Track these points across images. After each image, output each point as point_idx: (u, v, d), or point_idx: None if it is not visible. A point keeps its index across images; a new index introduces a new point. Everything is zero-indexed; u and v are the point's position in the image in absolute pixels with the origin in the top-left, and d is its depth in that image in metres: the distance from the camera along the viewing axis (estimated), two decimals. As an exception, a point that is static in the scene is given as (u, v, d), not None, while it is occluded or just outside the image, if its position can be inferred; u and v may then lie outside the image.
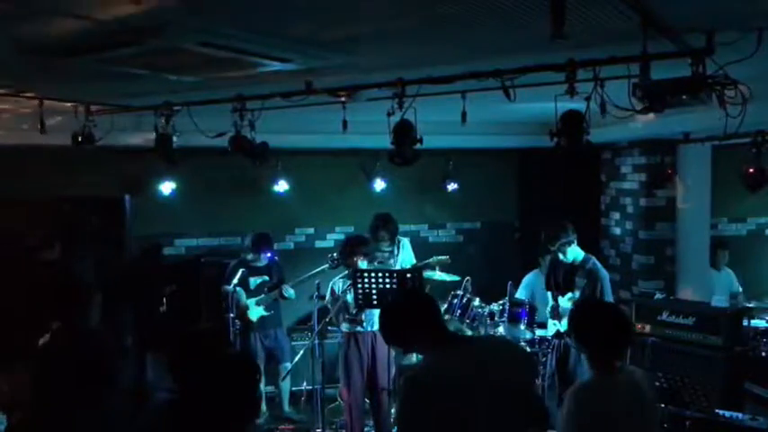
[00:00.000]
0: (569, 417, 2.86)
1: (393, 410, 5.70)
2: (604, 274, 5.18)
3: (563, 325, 5.33)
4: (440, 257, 6.34)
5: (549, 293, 5.57)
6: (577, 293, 5.19)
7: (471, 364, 2.58)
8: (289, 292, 6.20)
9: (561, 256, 5.23)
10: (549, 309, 5.52)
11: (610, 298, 5.23)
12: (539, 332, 6.03)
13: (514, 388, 2.65)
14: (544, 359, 5.88)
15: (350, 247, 5.53)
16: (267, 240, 6.32)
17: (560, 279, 5.40)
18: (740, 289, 7.14)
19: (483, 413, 2.53)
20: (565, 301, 5.33)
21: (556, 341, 5.44)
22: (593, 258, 5.27)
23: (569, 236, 5.16)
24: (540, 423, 2.87)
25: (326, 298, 5.59)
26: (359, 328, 5.44)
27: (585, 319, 3.02)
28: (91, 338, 3.45)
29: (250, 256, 6.29)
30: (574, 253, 5.22)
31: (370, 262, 5.54)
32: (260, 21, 2.91)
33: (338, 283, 5.55)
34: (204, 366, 2.59)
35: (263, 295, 6.23)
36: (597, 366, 2.91)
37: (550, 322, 5.56)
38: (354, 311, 5.38)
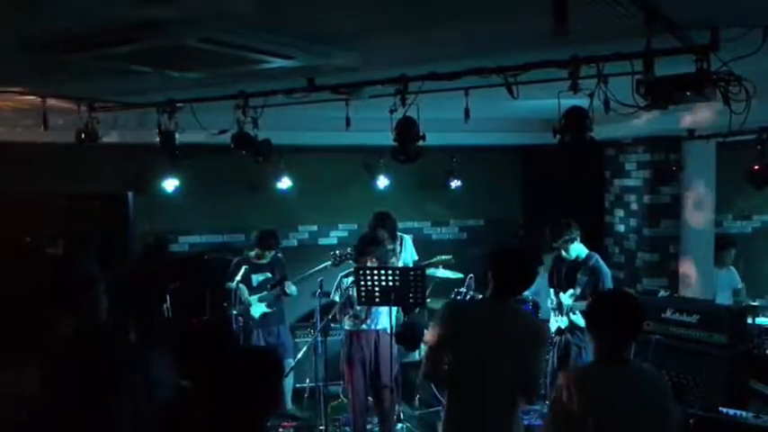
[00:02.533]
0: (557, 398, 2.90)
1: (396, 408, 5.70)
2: (606, 271, 5.19)
3: (563, 321, 5.34)
4: (443, 257, 6.33)
5: (552, 290, 5.57)
6: (578, 290, 5.19)
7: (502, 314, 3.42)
8: (291, 288, 6.21)
9: (564, 253, 5.25)
10: (550, 304, 5.52)
11: None
12: (542, 329, 6.04)
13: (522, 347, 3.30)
14: (547, 356, 5.88)
15: (362, 247, 5.53)
16: (274, 237, 6.32)
17: (563, 276, 5.40)
18: (741, 285, 7.10)
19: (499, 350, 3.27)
20: (566, 298, 5.33)
21: (557, 338, 5.44)
22: (596, 256, 5.28)
23: (572, 233, 5.18)
24: (527, 391, 3.31)
25: (333, 292, 5.59)
26: (363, 327, 5.43)
27: (600, 306, 3.08)
28: (99, 334, 3.45)
29: (253, 253, 6.29)
30: (577, 250, 5.22)
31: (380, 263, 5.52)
32: (262, 16, 2.90)
33: (345, 280, 5.54)
34: (212, 363, 2.59)
35: (265, 292, 6.24)
36: (603, 356, 2.92)
37: (552, 318, 5.56)
38: (359, 308, 5.38)
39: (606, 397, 2.83)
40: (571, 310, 5.26)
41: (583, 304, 5.08)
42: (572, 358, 5.22)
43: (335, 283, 5.60)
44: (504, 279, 3.40)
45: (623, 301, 3.12)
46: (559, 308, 5.39)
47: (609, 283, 5.16)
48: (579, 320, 5.12)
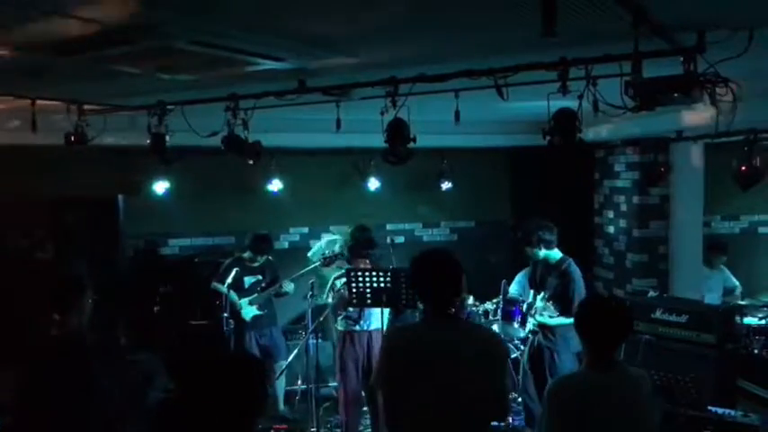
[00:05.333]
0: (549, 409, 2.91)
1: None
2: (578, 276, 5.18)
3: (532, 323, 5.34)
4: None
5: (532, 291, 5.60)
6: (548, 293, 5.22)
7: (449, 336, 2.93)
8: (289, 286, 6.20)
9: (529, 253, 5.27)
10: (525, 306, 5.54)
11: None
12: (533, 330, 6.06)
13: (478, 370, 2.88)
14: (518, 355, 5.93)
15: (357, 248, 5.55)
16: (267, 242, 6.32)
17: (537, 278, 5.44)
18: (736, 283, 7.15)
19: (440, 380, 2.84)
20: (538, 300, 5.36)
21: (530, 337, 5.47)
22: (570, 260, 5.27)
23: (544, 235, 5.19)
24: (498, 410, 3.05)
25: (326, 294, 5.60)
26: (356, 327, 5.45)
27: (586, 312, 3.06)
28: (76, 338, 3.43)
29: (246, 255, 6.29)
30: (546, 253, 5.25)
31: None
32: (252, 18, 2.90)
33: (337, 282, 5.55)
34: (202, 365, 2.59)
35: (255, 294, 6.23)
36: (592, 360, 2.93)
37: (528, 319, 5.58)
38: (351, 309, 5.39)
39: (596, 403, 2.85)
40: (536, 311, 5.30)
41: (548, 306, 5.17)
42: (545, 361, 5.22)
43: (328, 286, 5.61)
44: (438, 287, 2.96)
45: (609, 306, 3.12)
46: (530, 308, 5.41)
47: (579, 289, 5.12)
48: (546, 321, 5.17)
